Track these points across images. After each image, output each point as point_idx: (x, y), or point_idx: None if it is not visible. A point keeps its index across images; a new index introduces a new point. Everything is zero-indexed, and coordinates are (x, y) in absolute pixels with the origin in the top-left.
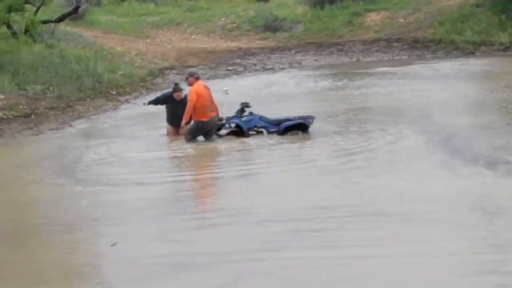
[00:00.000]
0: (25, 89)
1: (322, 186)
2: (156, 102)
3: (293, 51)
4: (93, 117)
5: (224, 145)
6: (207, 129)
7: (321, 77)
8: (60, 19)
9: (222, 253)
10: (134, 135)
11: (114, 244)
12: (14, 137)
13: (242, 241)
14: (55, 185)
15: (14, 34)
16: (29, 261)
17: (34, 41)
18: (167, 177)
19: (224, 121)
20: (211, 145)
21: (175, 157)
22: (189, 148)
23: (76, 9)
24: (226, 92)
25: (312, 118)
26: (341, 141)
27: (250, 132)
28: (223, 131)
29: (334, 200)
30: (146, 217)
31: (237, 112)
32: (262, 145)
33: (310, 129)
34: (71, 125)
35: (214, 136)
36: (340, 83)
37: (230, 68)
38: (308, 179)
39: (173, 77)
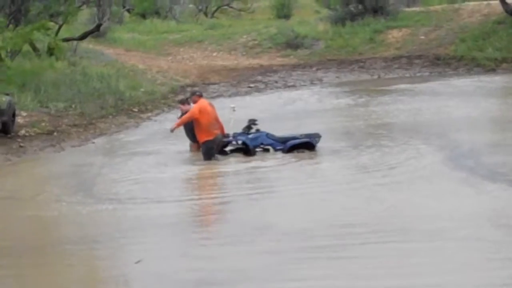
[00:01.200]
0: (47, 107)
1: (341, 203)
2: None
3: (314, 68)
4: (115, 134)
5: (241, 163)
6: (212, 148)
7: (342, 94)
8: (82, 37)
9: (243, 270)
10: (155, 152)
11: (138, 261)
12: (36, 154)
13: (263, 258)
14: (75, 203)
15: (36, 51)
16: (51, 276)
17: (57, 59)
18: (186, 196)
19: (230, 138)
20: (228, 163)
21: (193, 175)
22: (206, 167)
23: (98, 26)
24: (233, 109)
25: (318, 136)
26: (360, 157)
27: (257, 150)
28: (229, 147)
29: (355, 217)
30: (167, 234)
31: (244, 128)
32: (280, 163)
33: (324, 145)
34: (93, 142)
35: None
36: (360, 100)
37: (252, 85)
38: (328, 196)
39: None
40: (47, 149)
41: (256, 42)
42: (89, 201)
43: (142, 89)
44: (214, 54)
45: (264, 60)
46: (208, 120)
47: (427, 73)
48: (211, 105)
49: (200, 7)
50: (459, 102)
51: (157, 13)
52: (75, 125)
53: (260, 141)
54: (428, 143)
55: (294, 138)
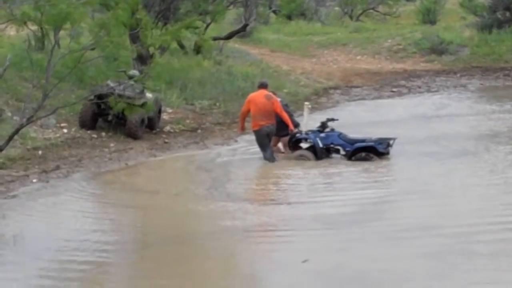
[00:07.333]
0: (192, 104)
1: (501, 203)
2: None
3: (458, 75)
4: None
5: (382, 162)
6: (261, 137)
7: (486, 100)
8: (229, 37)
9: (400, 270)
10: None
11: (305, 261)
12: (180, 151)
13: (422, 259)
14: (218, 200)
15: (182, 48)
16: (195, 268)
17: (204, 57)
18: (333, 195)
19: (303, 135)
20: (363, 164)
21: (334, 173)
22: (345, 165)
23: (244, 27)
24: (307, 106)
25: (390, 140)
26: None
27: (334, 154)
28: (304, 144)
29: None
30: (319, 231)
31: (319, 127)
32: (428, 164)
33: (471, 146)
34: (236, 141)
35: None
36: (506, 106)
37: (395, 89)
38: (487, 196)
39: (337, 96)
40: (191, 146)
41: (400, 46)
42: (230, 199)
43: (285, 90)
44: (358, 57)
45: (408, 65)
46: (255, 110)
47: None
48: (266, 97)
49: (345, 10)
50: None
51: (302, 15)
52: (218, 123)
53: (331, 141)
54: None
55: (362, 141)
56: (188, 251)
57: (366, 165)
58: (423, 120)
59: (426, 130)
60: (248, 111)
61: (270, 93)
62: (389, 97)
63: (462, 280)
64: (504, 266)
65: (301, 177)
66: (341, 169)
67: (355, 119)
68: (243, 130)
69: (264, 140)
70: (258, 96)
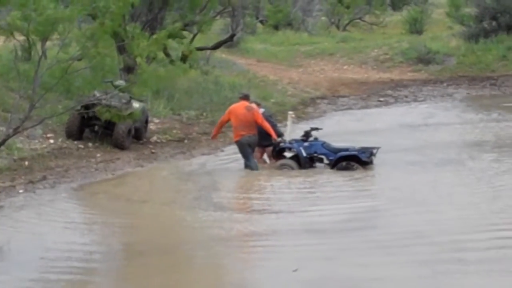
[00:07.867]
0: (179, 114)
1: (491, 213)
2: None
3: (445, 84)
4: None
5: (380, 172)
6: (242, 147)
7: (472, 109)
8: (215, 47)
9: (391, 279)
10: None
11: (296, 270)
12: (167, 161)
13: (412, 268)
14: (204, 210)
15: (169, 58)
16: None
17: (191, 67)
18: (326, 204)
19: (286, 144)
20: (361, 173)
21: (332, 182)
22: (331, 174)
23: (231, 37)
24: (291, 116)
25: (374, 149)
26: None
27: (320, 164)
28: (288, 153)
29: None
30: (310, 240)
31: (303, 136)
32: (423, 173)
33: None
34: (222, 151)
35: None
36: (492, 116)
37: (382, 99)
38: (476, 205)
39: (324, 106)
40: (178, 156)
41: (387, 56)
42: (217, 208)
43: (272, 100)
44: (345, 67)
45: (394, 75)
46: (235, 121)
47: None
48: (247, 108)
49: (332, 20)
50: None
51: (289, 25)
52: (205, 133)
53: (314, 150)
54: None
55: (346, 150)
56: (176, 260)
57: (353, 174)
58: (410, 129)
59: (413, 139)
60: (227, 121)
61: (251, 105)
62: (376, 106)
63: None
64: (493, 274)
65: (288, 187)
66: (327, 178)
67: (342, 128)
68: (215, 138)
69: (246, 150)
70: (239, 107)
